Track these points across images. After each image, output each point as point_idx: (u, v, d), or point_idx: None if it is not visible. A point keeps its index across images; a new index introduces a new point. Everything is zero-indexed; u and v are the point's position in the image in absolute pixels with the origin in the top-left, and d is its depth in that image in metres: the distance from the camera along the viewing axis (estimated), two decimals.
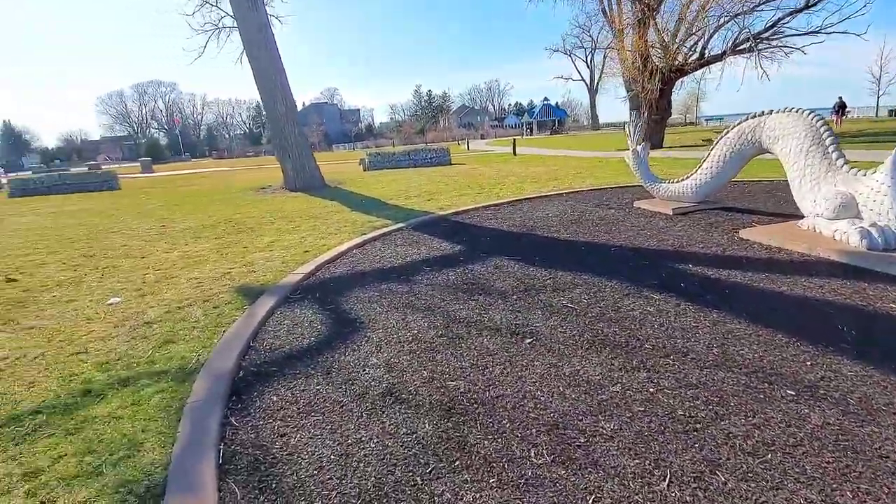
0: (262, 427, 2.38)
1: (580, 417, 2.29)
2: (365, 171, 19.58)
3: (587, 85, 73.27)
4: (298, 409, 2.53)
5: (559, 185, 10.81)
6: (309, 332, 3.53)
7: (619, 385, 2.55)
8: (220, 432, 2.33)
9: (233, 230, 7.62)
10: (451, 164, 19.91)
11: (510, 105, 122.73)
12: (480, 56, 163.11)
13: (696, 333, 3.08)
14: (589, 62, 71.78)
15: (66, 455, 2.20)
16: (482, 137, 59.09)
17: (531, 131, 63.03)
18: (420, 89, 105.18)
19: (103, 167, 29.79)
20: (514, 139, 27.64)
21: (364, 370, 2.90)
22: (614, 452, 2.04)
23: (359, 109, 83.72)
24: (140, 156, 57.84)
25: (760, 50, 18.63)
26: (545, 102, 66.91)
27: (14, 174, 35.52)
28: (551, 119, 65.10)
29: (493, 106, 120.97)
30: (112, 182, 18.30)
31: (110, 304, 4.36)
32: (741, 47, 19.10)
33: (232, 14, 12.38)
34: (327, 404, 2.55)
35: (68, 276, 5.37)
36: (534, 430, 2.22)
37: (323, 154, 53.11)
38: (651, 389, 2.49)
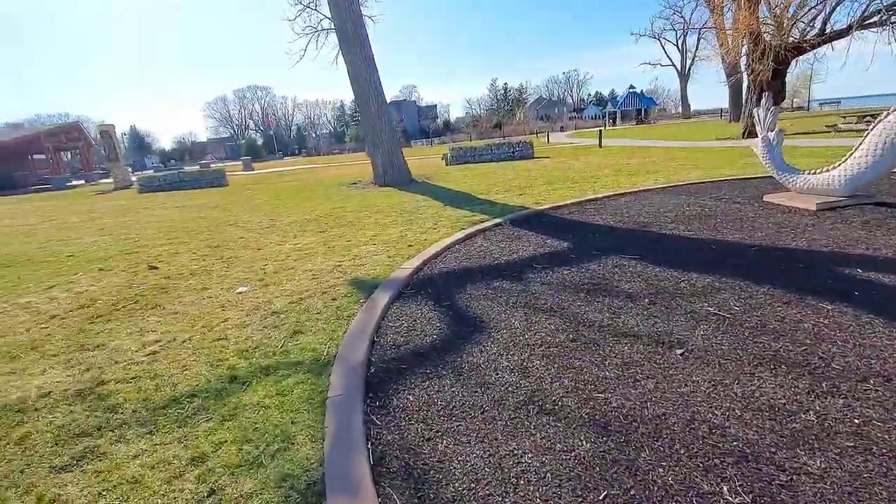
0: (406, 429, 2.30)
1: (772, 449, 1.94)
2: (447, 165, 19.63)
3: (677, 70, 67.95)
4: (438, 411, 2.42)
5: (661, 178, 9.98)
6: (430, 329, 3.44)
7: (812, 413, 2.14)
8: (364, 431, 2.28)
9: (334, 224, 7.88)
10: (534, 158, 19.34)
11: (589, 95, 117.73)
12: (558, 45, 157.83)
13: (895, 354, 2.55)
14: (680, 45, 66.66)
15: (225, 442, 2.27)
16: (561, 129, 57.15)
17: (614, 121, 59.81)
18: (496, 83, 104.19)
19: (211, 166, 32.82)
20: (601, 130, 26.25)
21: (497, 373, 2.74)
22: (831, 497, 1.68)
23: (436, 105, 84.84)
24: (240, 155, 63.08)
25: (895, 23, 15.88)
26: (630, 90, 63.03)
27: (140, 173, 40.27)
28: (636, 108, 61.25)
29: (572, 97, 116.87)
30: (221, 179, 20.04)
31: (239, 293, 4.61)
32: (870, 20, 16.44)
33: (329, 16, 12.87)
34: (467, 409, 2.42)
35: (199, 266, 5.81)
36: (717, 461, 1.91)
37: (402, 150, 54.48)
38: (856, 421, 2.06)
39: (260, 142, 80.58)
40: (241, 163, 38.20)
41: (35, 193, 28.63)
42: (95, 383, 2.96)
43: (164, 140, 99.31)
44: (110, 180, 30.00)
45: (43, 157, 39.97)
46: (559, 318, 3.43)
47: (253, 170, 33.49)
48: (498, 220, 7.00)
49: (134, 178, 25.71)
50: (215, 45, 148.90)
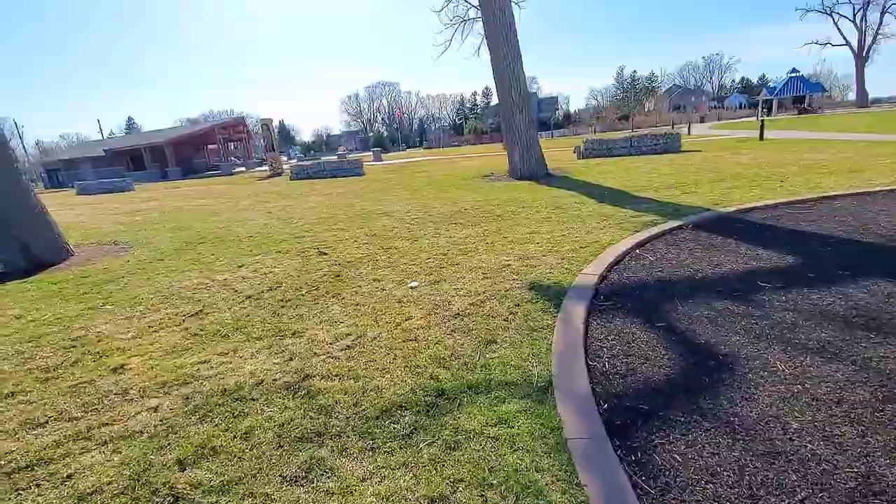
0: None
1: None
2: (580, 158, 18.38)
3: (853, 51, 56.44)
4: (729, 487, 1.79)
5: (877, 178, 7.93)
6: (656, 358, 2.80)
7: None
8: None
9: (483, 218, 7.52)
10: (682, 151, 17.20)
11: (733, 82, 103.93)
12: (696, 26, 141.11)
13: None
14: (858, 21, 55.15)
15: (461, 481, 1.91)
16: (702, 120, 50.95)
17: (769, 111, 51.64)
18: (623, 71, 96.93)
19: (348, 156, 35.33)
20: (762, 120, 22.57)
21: (791, 439, 2.02)
22: None
23: (556, 97, 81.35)
24: (368, 147, 67.28)
25: None
26: (793, 75, 53.75)
27: (286, 161, 45.00)
28: (798, 95, 52.10)
29: (712, 84, 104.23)
30: (358, 169, 21.24)
31: (411, 288, 4.42)
32: None
33: (476, 4, 12.56)
34: (773, 490, 1.75)
35: (363, 254, 5.83)
36: None
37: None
38: None
39: (384, 134, 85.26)
40: (370, 153, 40.60)
41: (208, 178, 33.50)
42: (301, 377, 2.86)
43: (305, 133, 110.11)
44: (266, 168, 33.90)
45: (214, 146, 46.64)
46: (844, 363, 2.56)
47: (382, 160, 35.26)
48: (676, 223, 6.01)
49: (287, 167, 28.60)
50: (352, 45, 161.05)
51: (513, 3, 12.30)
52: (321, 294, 4.43)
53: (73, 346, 3.61)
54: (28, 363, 3.38)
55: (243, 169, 41.28)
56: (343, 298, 4.27)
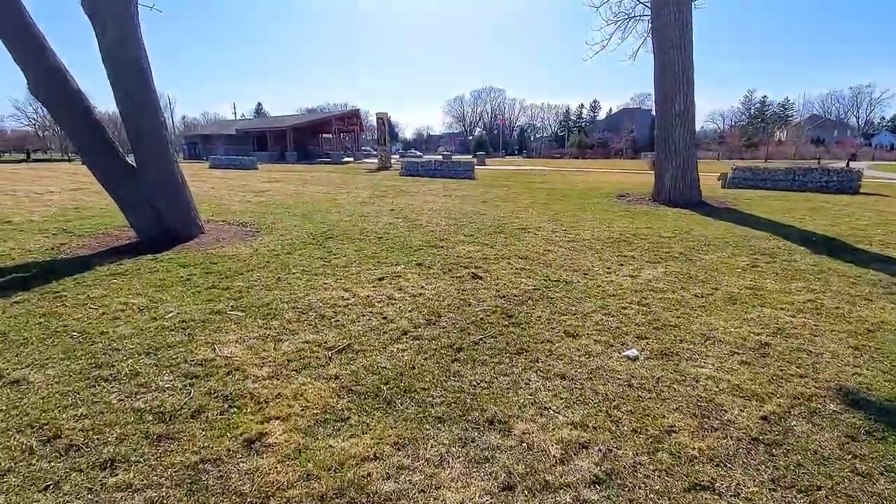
0: None
1: None
2: (726, 187, 15.68)
3: None
4: None
5: None
6: None
7: None
8: None
9: (659, 254, 5.90)
10: (862, 193, 13.91)
11: (883, 119, 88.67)
12: (844, 52, 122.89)
13: None
14: None
15: None
16: (853, 158, 43.38)
17: None
18: (753, 95, 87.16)
19: (454, 157, 34.83)
20: None
21: None
22: None
23: None
24: (468, 150, 66.88)
25: None
26: None
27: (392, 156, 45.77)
28: None
29: (857, 118, 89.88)
30: (470, 171, 20.25)
31: (629, 358, 3.02)
32: None
33: (647, 2, 10.81)
34: None
35: (529, 285, 4.54)
36: None
37: (631, 162, 49.42)
38: None
39: (485, 139, 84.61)
40: (473, 157, 39.80)
41: (320, 164, 34.82)
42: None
43: (407, 131, 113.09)
44: (374, 160, 34.46)
45: (329, 136, 48.85)
46: None
47: (486, 165, 34.22)
48: None
49: (393, 161, 28.60)
50: (457, 49, 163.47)
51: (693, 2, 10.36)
52: (501, 347, 3.18)
53: (196, 378, 2.70)
54: (141, 398, 2.49)
55: (351, 159, 42.65)
56: (536, 362, 2.98)
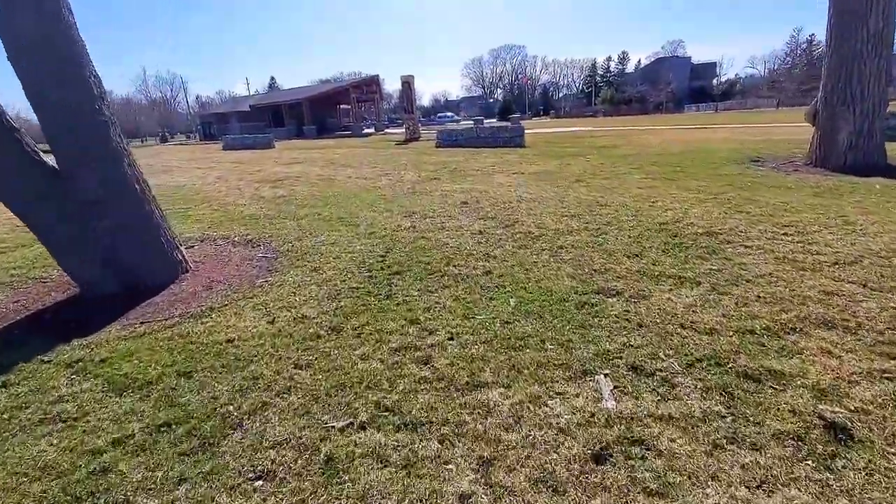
0: None
1: None
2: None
3: None
4: None
5: None
6: None
7: None
8: None
9: None
10: None
11: None
12: None
13: None
14: None
15: None
16: None
17: None
18: (798, 34, 78.31)
19: (485, 122, 31.14)
20: None
21: None
22: None
23: (715, 63, 67.50)
24: (490, 112, 62.32)
25: None
26: None
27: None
28: None
29: None
30: (519, 138, 16.91)
31: None
32: None
33: None
34: None
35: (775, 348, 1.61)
36: None
37: (680, 117, 44.56)
38: None
39: (510, 101, 79.30)
40: (493, 120, 35.94)
41: (340, 138, 31.71)
42: None
43: (424, 98, 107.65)
44: (401, 130, 31.12)
45: (347, 106, 45.37)
46: None
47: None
48: None
49: (423, 130, 25.29)
50: (476, 7, 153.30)
51: None
52: None
53: None
54: None
55: (373, 130, 39.33)
56: None
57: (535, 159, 11.57)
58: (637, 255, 3.92)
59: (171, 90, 78.78)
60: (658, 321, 2.75)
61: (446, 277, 3.65)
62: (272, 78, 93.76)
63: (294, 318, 3.05)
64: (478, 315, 2.96)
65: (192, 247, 5.01)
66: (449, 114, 61.98)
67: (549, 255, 4.03)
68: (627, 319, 2.79)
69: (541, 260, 3.92)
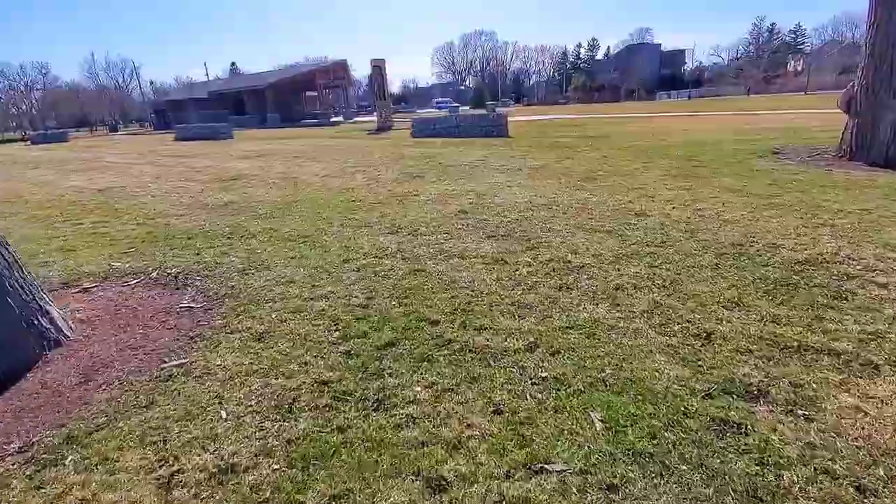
0: None
1: None
2: None
3: None
4: None
5: None
6: None
7: None
8: None
9: None
10: None
11: None
12: None
13: None
14: None
15: None
16: None
17: None
18: (761, 24, 79.72)
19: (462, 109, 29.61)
20: None
21: None
22: None
23: (684, 51, 67.58)
24: (462, 101, 60.61)
25: None
26: None
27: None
28: None
29: None
30: (501, 128, 15.58)
31: None
32: None
33: None
34: None
35: None
36: None
37: (655, 104, 44.30)
38: None
39: (480, 88, 77.65)
40: (465, 107, 34.48)
41: (308, 128, 29.58)
42: None
43: (393, 85, 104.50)
44: (371, 118, 29.25)
45: (313, 94, 42.85)
46: None
47: None
48: None
49: (396, 119, 23.62)
50: None
51: None
52: None
53: None
54: None
55: (341, 119, 37.19)
56: None
57: (527, 152, 10.29)
58: (738, 304, 2.70)
59: (123, 76, 73.29)
60: (877, 471, 1.52)
61: (469, 356, 2.32)
62: (233, 63, 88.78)
63: (207, 479, 1.65)
64: (544, 454, 1.65)
65: (89, 290, 3.49)
66: (446, 99, 58.71)
67: (612, 306, 2.76)
68: (811, 464, 1.54)
69: (604, 317, 2.63)
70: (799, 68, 65.20)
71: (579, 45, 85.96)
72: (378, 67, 22.01)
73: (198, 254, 4.16)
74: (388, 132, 20.35)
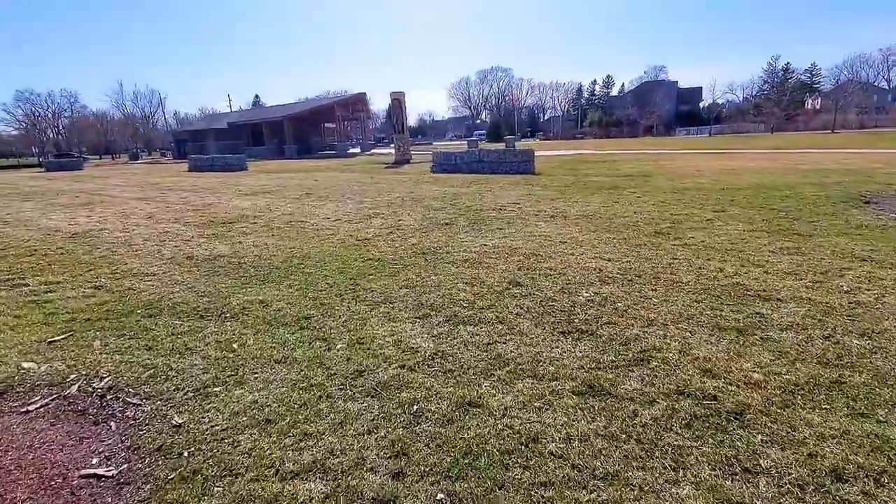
0: None
1: None
2: None
3: None
4: None
5: None
6: None
7: None
8: None
9: None
10: None
11: None
12: (866, 8, 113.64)
13: None
14: None
15: None
16: None
17: None
18: (776, 62, 79.44)
19: (480, 144, 28.95)
20: None
21: None
22: None
23: (700, 88, 67.26)
24: (478, 135, 60.55)
25: None
26: None
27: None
28: None
29: (888, 82, 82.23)
30: (528, 164, 14.53)
31: None
32: None
33: None
34: None
35: None
36: None
37: (677, 140, 43.48)
38: None
39: (496, 122, 78.05)
40: (482, 141, 33.84)
41: (323, 159, 29.07)
42: None
43: (411, 118, 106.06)
44: (388, 150, 28.67)
45: (332, 125, 42.90)
46: None
47: None
48: None
49: (413, 152, 22.87)
50: (464, 27, 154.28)
51: None
52: None
53: None
54: None
55: (359, 150, 36.85)
56: None
57: (564, 192, 9.11)
58: None
59: (150, 106, 75.30)
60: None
61: None
62: (256, 96, 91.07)
63: None
64: None
65: None
66: (481, 131, 58.20)
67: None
68: None
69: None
70: (817, 106, 64.29)
71: (594, 82, 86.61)
72: (397, 100, 21.43)
73: (150, 348, 2.93)
74: (406, 165, 19.50)
